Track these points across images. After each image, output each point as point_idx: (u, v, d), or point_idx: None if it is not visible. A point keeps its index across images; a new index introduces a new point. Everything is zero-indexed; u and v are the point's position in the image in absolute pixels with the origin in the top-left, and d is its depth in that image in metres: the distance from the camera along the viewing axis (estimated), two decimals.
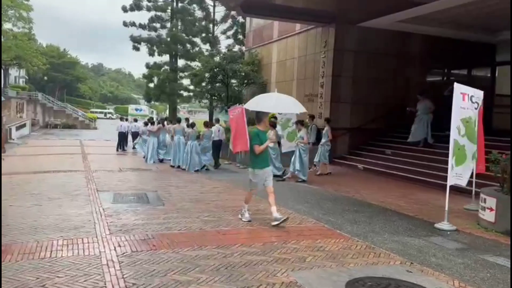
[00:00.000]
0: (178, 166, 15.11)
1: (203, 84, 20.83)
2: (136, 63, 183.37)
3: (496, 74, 18.77)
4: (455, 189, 8.49)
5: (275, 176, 12.27)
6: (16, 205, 7.89)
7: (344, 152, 16.34)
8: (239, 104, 17.41)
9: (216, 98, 20.80)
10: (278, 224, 6.86)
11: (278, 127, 14.90)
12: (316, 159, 14.12)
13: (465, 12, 14.40)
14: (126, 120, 26.55)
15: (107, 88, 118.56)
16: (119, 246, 5.59)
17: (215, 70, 19.65)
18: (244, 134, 15.50)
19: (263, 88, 21.07)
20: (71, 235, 6.00)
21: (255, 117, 7.91)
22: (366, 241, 6.28)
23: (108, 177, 12.43)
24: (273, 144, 12.47)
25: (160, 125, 17.77)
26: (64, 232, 6.15)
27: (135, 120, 27.07)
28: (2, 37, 40.58)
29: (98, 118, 63.61)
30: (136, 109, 51.31)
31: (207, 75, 19.84)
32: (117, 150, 21.94)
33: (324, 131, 14.08)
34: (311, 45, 17.32)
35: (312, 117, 14.94)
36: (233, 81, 20.91)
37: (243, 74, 20.29)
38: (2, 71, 42.44)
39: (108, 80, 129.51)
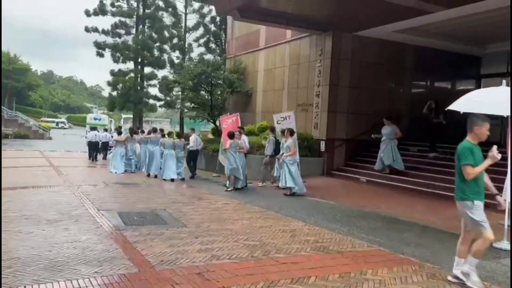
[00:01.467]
0: (155, 176, 14.88)
1: (185, 93, 19.64)
2: (89, 71, 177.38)
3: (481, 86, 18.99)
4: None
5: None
6: (13, 231, 6.57)
7: (340, 164, 15.76)
8: (228, 114, 16.50)
9: (198, 107, 19.70)
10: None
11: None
12: (275, 173, 12.95)
13: (459, 24, 14.38)
14: (95, 129, 25.01)
15: (58, 96, 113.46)
16: (177, 284, 4.54)
17: (199, 77, 18.58)
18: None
19: (248, 97, 20.26)
20: (108, 271, 4.87)
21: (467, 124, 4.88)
22: (442, 268, 5.56)
23: (98, 193, 11.11)
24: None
25: (128, 135, 17.13)
26: (94, 267, 4.99)
27: (105, 130, 25.70)
28: None
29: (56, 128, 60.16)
30: (95, 118, 48.76)
31: (190, 83, 18.71)
32: (90, 159, 21.11)
33: (285, 145, 11.96)
34: (304, 53, 16.72)
35: (272, 129, 13.97)
36: (216, 89, 19.91)
37: (227, 82, 19.35)
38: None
39: (58, 88, 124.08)
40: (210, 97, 19.78)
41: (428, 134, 14.82)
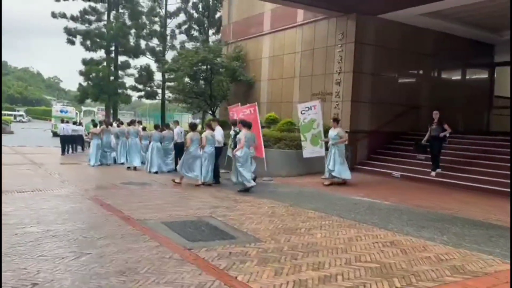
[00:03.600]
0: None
1: (183, 81, 17.85)
2: (45, 62, 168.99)
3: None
4: None
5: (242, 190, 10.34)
6: (53, 255, 4.88)
7: (363, 157, 14.60)
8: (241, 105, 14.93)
9: (197, 97, 17.98)
10: None
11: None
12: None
13: (480, 8, 13.54)
14: (67, 122, 23.00)
15: (14, 88, 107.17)
16: None
17: (199, 65, 16.90)
18: (258, 138, 13.21)
19: (250, 86, 18.72)
20: None
21: None
22: None
23: (115, 197, 9.35)
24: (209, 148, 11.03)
25: (104, 126, 16.49)
26: None
27: (74, 123, 23.91)
28: None
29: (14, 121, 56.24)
30: (61, 111, 45.53)
31: (189, 70, 16.97)
32: (63, 153, 20.17)
33: (334, 134, 11.68)
34: (320, 37, 15.37)
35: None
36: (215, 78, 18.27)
37: (229, 70, 17.76)
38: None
39: (13, 79, 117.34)
40: (210, 86, 18.15)
41: (431, 148, 12.37)
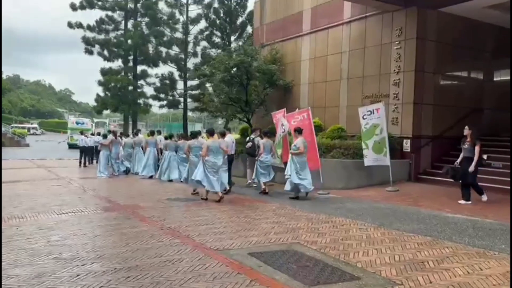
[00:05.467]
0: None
1: (219, 87, 16.49)
2: (56, 76, 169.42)
3: None
4: None
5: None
6: None
7: (427, 166, 13.14)
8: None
9: (233, 104, 16.67)
10: None
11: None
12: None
13: None
14: (84, 134, 22.64)
15: (27, 101, 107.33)
16: None
17: (234, 69, 15.61)
18: (313, 146, 11.83)
19: (287, 91, 17.37)
20: None
21: None
22: None
23: (173, 217, 8.01)
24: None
25: (113, 137, 16.31)
26: None
27: (92, 134, 23.49)
28: None
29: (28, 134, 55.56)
30: (77, 123, 44.53)
31: (226, 75, 15.66)
32: (80, 166, 19.83)
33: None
34: (373, 34, 14.01)
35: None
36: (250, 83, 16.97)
37: (267, 74, 16.44)
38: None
39: (26, 92, 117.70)
40: (245, 92, 16.84)
41: (463, 172, 9.60)
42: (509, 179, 10.78)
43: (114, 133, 17.48)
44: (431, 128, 13.16)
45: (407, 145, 12.85)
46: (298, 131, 10.65)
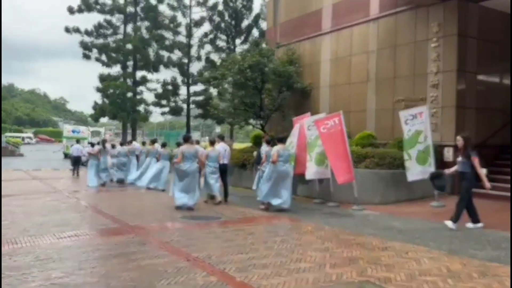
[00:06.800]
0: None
1: (231, 91, 15.11)
2: (49, 84, 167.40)
3: None
4: None
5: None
6: None
7: None
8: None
9: (246, 109, 15.26)
10: None
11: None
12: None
13: None
14: (78, 142, 22.33)
15: (22, 110, 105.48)
16: None
17: (248, 71, 14.22)
18: (346, 156, 10.42)
19: (305, 94, 16.00)
20: None
21: None
22: None
23: (198, 244, 6.55)
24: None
25: (101, 147, 15.81)
26: None
27: (91, 144, 22.02)
28: None
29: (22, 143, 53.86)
30: (74, 131, 42.91)
31: (240, 77, 14.28)
32: (73, 175, 19.07)
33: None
34: (405, 31, 12.71)
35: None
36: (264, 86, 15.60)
37: (284, 76, 15.08)
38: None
39: (21, 101, 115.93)
40: (260, 96, 15.47)
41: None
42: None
43: (103, 142, 16.96)
44: (474, 134, 11.79)
45: (448, 153, 11.48)
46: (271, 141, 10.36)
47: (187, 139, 10.13)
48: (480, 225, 7.76)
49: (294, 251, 6.10)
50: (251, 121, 16.43)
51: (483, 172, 7.66)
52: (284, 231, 7.57)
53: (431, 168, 10.08)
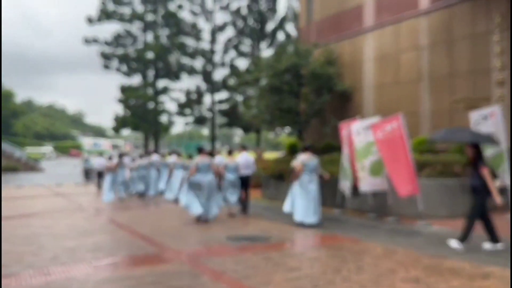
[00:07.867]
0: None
1: (266, 96, 13.94)
2: (67, 98, 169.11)
3: None
4: None
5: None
6: None
7: None
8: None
9: (283, 116, 14.07)
10: None
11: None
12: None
13: None
14: (101, 155, 22.01)
15: (42, 124, 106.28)
16: None
17: (286, 73, 13.09)
18: (407, 165, 8.98)
19: (346, 97, 14.78)
20: None
21: None
22: None
23: (258, 274, 5.35)
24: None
25: (119, 160, 15.36)
26: None
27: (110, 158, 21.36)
28: None
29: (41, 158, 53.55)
30: (95, 144, 42.46)
31: (275, 81, 13.15)
32: (99, 189, 18.23)
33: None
34: (462, 24, 11.45)
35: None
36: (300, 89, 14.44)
37: (324, 78, 13.90)
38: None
39: (39, 116, 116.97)
40: (296, 100, 14.31)
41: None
42: None
43: (121, 155, 16.59)
44: None
45: None
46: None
47: (200, 150, 9.82)
48: (499, 245, 6.53)
49: (377, 283, 4.88)
50: (289, 127, 15.24)
51: (494, 185, 6.50)
52: (352, 256, 6.32)
53: (505, 175, 8.71)
